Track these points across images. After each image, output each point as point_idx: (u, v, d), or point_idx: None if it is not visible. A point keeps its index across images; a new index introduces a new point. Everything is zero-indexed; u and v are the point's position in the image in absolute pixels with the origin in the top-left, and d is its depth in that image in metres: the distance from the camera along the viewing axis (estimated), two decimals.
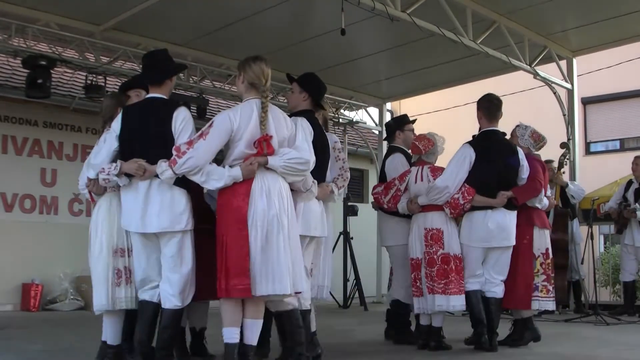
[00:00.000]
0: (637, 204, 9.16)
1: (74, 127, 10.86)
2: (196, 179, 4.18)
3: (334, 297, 9.92)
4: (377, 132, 14.48)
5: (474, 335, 5.60)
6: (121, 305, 4.46)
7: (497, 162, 5.61)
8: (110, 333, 4.55)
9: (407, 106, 17.07)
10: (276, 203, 4.16)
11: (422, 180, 5.74)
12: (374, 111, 14.02)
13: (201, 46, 10.27)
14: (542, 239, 5.98)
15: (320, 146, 4.72)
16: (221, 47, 10.29)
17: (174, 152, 4.16)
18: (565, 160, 8.25)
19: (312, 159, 4.39)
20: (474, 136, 5.86)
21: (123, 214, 4.43)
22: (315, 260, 4.92)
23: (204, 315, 5.13)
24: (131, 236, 4.45)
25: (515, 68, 10.21)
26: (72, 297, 9.91)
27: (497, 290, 5.66)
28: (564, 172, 8.73)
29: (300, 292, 4.32)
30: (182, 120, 4.37)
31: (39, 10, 8.90)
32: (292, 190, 4.40)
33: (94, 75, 10.04)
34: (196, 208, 4.51)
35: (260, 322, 4.25)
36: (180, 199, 4.33)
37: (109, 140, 4.46)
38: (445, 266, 5.51)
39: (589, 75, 13.12)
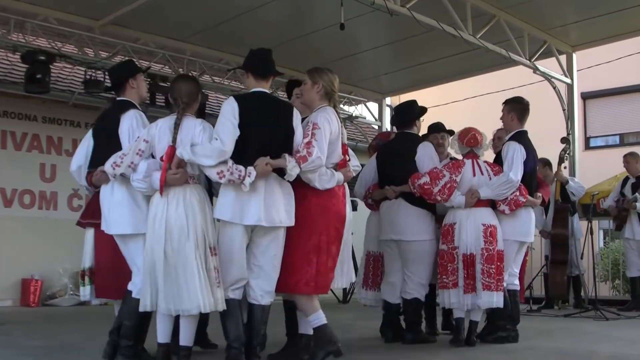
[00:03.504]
0: (636, 194, 9.14)
1: (73, 122, 10.82)
2: (312, 177, 4.37)
3: (333, 293, 9.92)
4: (376, 127, 14.47)
5: (505, 331, 5.67)
6: (217, 307, 4.21)
7: (534, 161, 5.87)
8: (186, 333, 4.27)
9: None
10: None
11: (482, 174, 5.63)
12: (373, 106, 14.02)
13: (200, 41, 10.26)
14: None
15: None
16: (220, 42, 10.27)
17: (304, 150, 4.29)
18: (566, 155, 8.23)
19: None
20: (513, 136, 5.86)
21: (232, 205, 4.20)
22: None
23: None
24: (229, 230, 4.25)
25: (515, 63, 10.19)
26: (71, 292, 9.89)
27: (517, 283, 6.01)
28: (565, 167, 8.72)
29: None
30: (299, 118, 4.47)
31: (38, 5, 8.89)
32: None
33: (93, 71, 9.99)
34: None
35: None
36: (292, 193, 4.40)
37: (235, 129, 4.19)
38: (499, 263, 5.47)
39: (589, 70, 13.11)
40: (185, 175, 4.22)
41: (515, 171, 5.56)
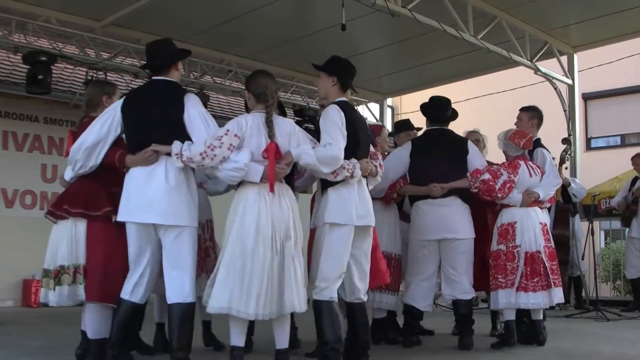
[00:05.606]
0: None
1: (75, 122, 10.74)
2: (376, 180, 4.78)
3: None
4: None
5: (545, 330, 5.76)
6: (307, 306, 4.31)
7: None
8: (283, 335, 4.23)
9: (407, 102, 17.07)
10: None
11: (536, 175, 5.74)
12: (374, 107, 14.01)
13: (202, 42, 10.24)
14: None
15: None
16: (222, 42, 10.27)
17: (378, 161, 4.77)
18: (567, 156, 8.22)
19: None
20: (536, 142, 6.03)
21: (345, 208, 4.38)
22: None
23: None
24: (341, 232, 4.37)
25: (516, 64, 10.19)
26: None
27: None
28: (566, 168, 8.71)
29: None
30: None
31: (39, 6, 8.91)
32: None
33: (95, 71, 10.02)
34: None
35: None
36: None
37: (344, 139, 4.38)
38: (555, 261, 5.67)
39: (590, 70, 13.09)
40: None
41: (558, 175, 6.04)
